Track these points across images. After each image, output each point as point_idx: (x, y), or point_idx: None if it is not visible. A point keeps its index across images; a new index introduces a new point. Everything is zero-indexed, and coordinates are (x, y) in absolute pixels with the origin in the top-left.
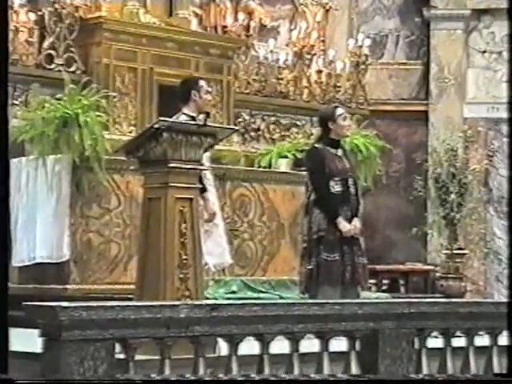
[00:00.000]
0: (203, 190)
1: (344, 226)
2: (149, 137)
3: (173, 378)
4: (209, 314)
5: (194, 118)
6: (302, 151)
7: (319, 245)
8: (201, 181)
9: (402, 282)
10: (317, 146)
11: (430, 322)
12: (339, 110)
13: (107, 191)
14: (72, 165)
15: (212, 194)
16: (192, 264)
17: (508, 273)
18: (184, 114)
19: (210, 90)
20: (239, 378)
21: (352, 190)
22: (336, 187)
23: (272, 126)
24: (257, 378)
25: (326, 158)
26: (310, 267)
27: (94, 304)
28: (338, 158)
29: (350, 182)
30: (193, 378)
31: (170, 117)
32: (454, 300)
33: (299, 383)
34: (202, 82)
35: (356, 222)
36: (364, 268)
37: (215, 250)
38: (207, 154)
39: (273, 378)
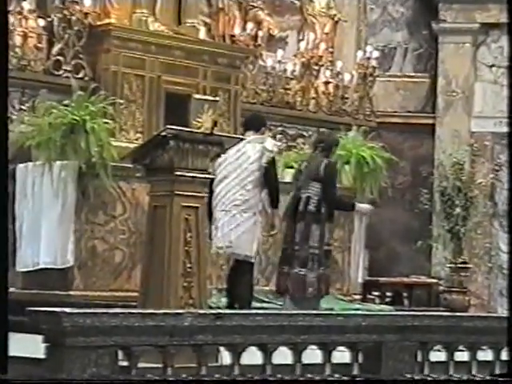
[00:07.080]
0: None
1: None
2: (155, 144)
3: (173, 379)
4: (212, 323)
5: None
6: None
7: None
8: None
9: (405, 294)
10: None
11: (434, 335)
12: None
13: (113, 198)
14: (78, 171)
15: None
16: (196, 273)
17: (508, 285)
18: None
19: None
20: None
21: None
22: None
23: (279, 136)
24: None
25: None
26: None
27: (98, 311)
28: None
29: None
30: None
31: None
32: (457, 314)
33: (299, 383)
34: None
35: None
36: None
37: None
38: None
39: (273, 378)
